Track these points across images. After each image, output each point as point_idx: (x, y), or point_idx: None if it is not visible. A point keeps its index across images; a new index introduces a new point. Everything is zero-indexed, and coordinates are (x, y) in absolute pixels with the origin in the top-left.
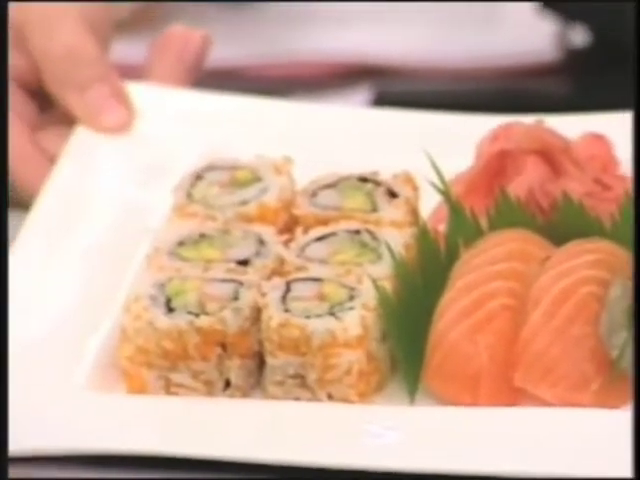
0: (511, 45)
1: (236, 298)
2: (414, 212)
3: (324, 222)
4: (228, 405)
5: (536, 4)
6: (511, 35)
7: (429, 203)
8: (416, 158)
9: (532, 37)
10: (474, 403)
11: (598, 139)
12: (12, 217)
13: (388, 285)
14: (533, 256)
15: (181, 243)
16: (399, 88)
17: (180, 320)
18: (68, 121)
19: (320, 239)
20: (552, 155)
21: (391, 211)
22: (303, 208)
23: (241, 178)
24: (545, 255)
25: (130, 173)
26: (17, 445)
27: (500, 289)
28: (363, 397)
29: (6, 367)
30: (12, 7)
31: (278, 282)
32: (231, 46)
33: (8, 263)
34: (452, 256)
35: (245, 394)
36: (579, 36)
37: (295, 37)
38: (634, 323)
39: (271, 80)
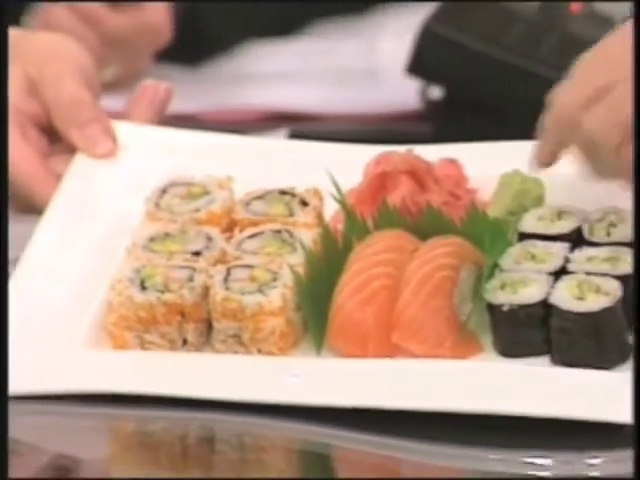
0: (388, 97)
1: (191, 280)
2: (320, 217)
3: (255, 224)
4: (186, 357)
5: (405, 68)
6: (388, 90)
7: (331, 209)
8: (322, 177)
9: (403, 92)
10: (364, 355)
11: (452, 163)
12: (28, 221)
13: (301, 270)
14: (405, 249)
15: (152, 239)
16: (307, 128)
17: (151, 296)
18: (71, 151)
19: (252, 236)
20: (419, 175)
21: (303, 216)
22: (240, 214)
23: (195, 192)
24: (414, 248)
25: (116, 188)
26: (28, 386)
27: (381, 273)
28: (283, 351)
29: (6, 350)
30: (29, 60)
31: (221, 268)
32: (189, 98)
33: (8, 260)
34: (347, 248)
35: (198, 349)
36: (436, 91)
37: (235, 93)
38: (634, 321)
39: (217, 122)
